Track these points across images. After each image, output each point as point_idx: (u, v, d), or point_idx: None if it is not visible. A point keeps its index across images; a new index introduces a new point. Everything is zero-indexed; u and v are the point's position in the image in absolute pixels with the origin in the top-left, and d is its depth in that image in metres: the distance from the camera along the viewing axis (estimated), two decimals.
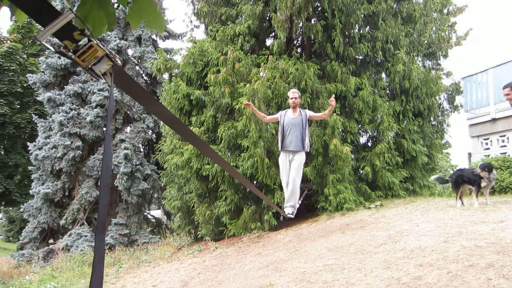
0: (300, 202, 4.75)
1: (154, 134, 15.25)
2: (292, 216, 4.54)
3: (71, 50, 0.78)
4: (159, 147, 9.24)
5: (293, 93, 4.62)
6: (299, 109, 4.61)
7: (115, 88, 0.88)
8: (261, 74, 7.50)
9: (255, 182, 7.65)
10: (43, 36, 0.75)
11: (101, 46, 0.79)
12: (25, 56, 17.77)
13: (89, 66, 0.80)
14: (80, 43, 0.79)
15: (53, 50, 0.81)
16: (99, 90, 13.29)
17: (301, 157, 4.50)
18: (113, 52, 0.82)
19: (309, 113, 4.65)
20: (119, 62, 0.82)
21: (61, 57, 13.09)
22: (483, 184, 5.13)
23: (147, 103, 1.02)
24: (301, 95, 4.80)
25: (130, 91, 0.99)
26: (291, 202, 4.48)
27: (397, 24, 8.13)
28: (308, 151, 4.60)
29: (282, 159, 4.60)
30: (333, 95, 4.44)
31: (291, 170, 4.49)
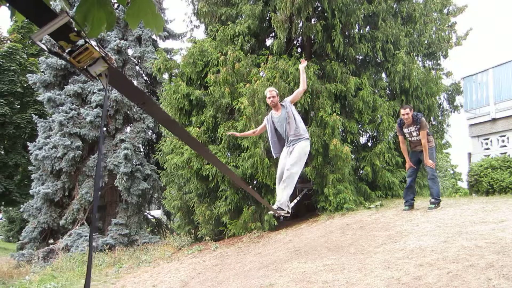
0: (296, 201, 4.59)
1: (154, 134, 15.25)
2: (284, 212, 4.10)
3: (67, 51, 0.78)
4: (159, 147, 9.24)
5: (270, 92, 4.36)
6: (280, 104, 4.36)
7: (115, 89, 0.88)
8: (261, 74, 7.50)
9: (255, 182, 7.65)
10: (38, 36, 0.75)
11: (97, 48, 0.79)
12: (25, 56, 17.76)
13: (84, 67, 0.80)
14: (77, 43, 0.79)
15: (47, 50, 0.81)
16: (99, 90, 13.28)
17: (300, 147, 4.16)
18: (108, 54, 0.82)
19: (288, 99, 4.38)
20: (114, 64, 0.81)
21: None
22: None
23: (143, 104, 1.02)
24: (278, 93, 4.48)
25: (126, 92, 0.99)
26: (281, 195, 4.08)
27: (397, 24, 8.13)
28: (307, 137, 4.30)
29: (283, 152, 4.38)
30: (302, 59, 4.12)
31: (289, 159, 4.15)
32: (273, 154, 4.52)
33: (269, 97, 4.36)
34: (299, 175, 4.24)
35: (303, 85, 4.22)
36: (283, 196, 4.09)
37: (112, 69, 0.81)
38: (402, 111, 5.36)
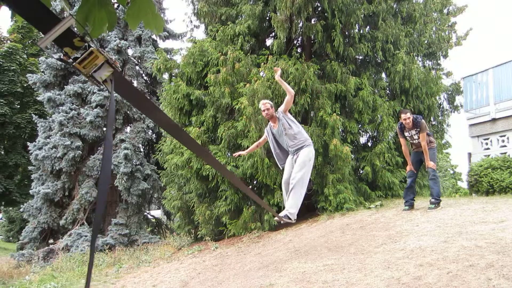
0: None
1: (154, 134, 15.25)
2: (292, 220, 4.07)
3: (72, 57, 0.78)
4: (159, 147, 9.24)
5: (264, 105, 4.24)
6: (276, 116, 4.25)
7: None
8: (261, 74, 7.50)
9: (255, 182, 7.65)
10: (44, 43, 0.74)
11: (102, 52, 0.78)
12: (25, 56, 17.75)
13: (90, 73, 0.79)
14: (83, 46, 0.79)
15: (55, 57, 0.81)
16: (99, 90, 13.29)
17: (305, 153, 4.09)
18: (113, 58, 0.82)
19: (281, 109, 4.23)
20: (119, 68, 0.81)
21: None
22: None
23: (147, 110, 1.02)
24: (273, 105, 4.34)
25: (130, 98, 0.99)
26: (289, 203, 4.05)
27: (397, 24, 8.13)
28: (310, 143, 4.24)
29: (288, 159, 4.35)
30: (275, 68, 4.00)
31: (294, 167, 4.14)
32: (279, 166, 4.44)
33: (263, 110, 4.25)
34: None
35: (289, 93, 4.08)
36: (291, 205, 4.03)
37: (117, 74, 0.81)
38: (403, 116, 5.39)
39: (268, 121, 4.45)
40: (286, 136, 4.19)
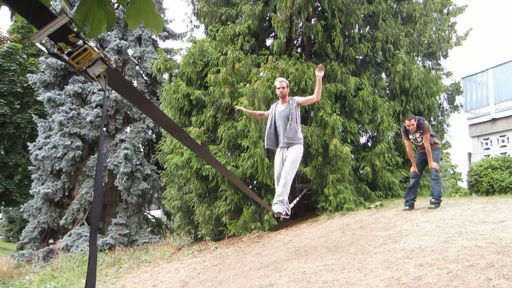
0: (296, 201, 4.57)
1: (154, 134, 15.25)
2: (283, 215, 4.08)
3: (65, 52, 0.78)
4: (159, 147, 9.24)
5: (280, 83, 4.24)
6: (288, 98, 4.23)
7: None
8: (261, 74, 7.50)
9: (255, 182, 7.65)
10: (38, 38, 0.74)
11: (96, 49, 0.78)
12: (25, 56, 17.75)
13: (83, 68, 0.79)
14: (76, 44, 0.78)
15: (47, 52, 0.81)
16: (99, 90, 13.29)
17: (296, 150, 4.12)
18: (107, 55, 0.82)
19: (297, 99, 4.24)
20: (113, 65, 0.81)
21: None
22: None
23: (142, 106, 1.02)
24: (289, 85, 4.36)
25: (125, 94, 0.99)
26: (279, 198, 4.06)
27: (397, 24, 8.13)
28: (302, 143, 4.24)
29: (277, 154, 4.32)
30: (320, 65, 3.97)
31: (285, 163, 4.11)
32: (265, 144, 4.44)
33: (279, 88, 4.25)
34: (298, 175, 4.25)
35: (317, 95, 4.06)
36: (286, 199, 4.12)
37: (111, 70, 0.80)
38: (407, 122, 5.46)
39: (278, 100, 4.44)
40: (288, 126, 4.16)
